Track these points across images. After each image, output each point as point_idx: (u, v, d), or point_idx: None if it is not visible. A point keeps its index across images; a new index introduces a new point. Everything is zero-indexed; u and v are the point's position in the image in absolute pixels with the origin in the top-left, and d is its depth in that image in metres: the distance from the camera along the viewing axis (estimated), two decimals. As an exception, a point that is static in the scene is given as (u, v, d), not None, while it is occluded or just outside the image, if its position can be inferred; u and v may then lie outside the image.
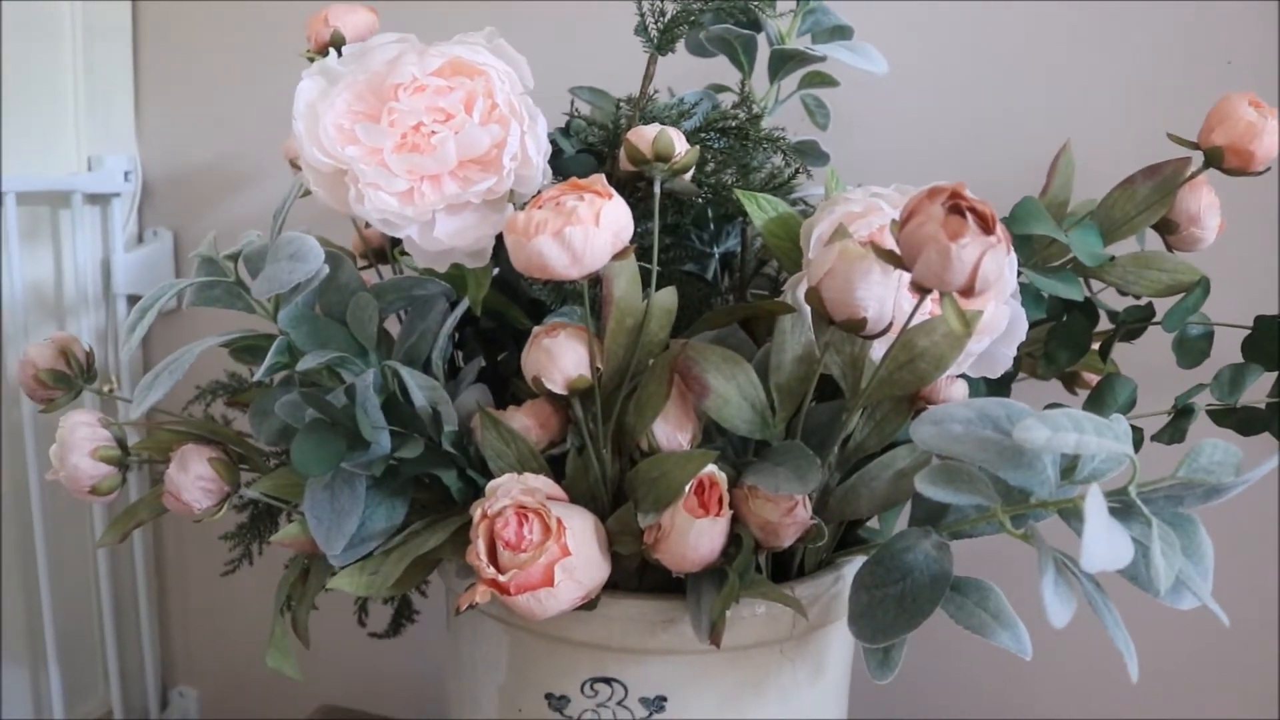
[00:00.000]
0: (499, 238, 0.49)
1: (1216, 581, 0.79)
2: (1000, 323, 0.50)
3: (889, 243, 0.44)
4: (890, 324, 0.46)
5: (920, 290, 0.42)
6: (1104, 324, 0.63)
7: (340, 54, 0.53)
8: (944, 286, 0.41)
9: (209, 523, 0.58)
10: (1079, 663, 0.82)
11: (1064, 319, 0.59)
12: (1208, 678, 0.79)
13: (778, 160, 0.63)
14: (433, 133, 0.49)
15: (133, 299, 0.96)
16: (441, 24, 0.82)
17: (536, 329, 0.52)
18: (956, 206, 0.40)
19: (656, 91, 0.62)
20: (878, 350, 0.49)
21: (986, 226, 0.40)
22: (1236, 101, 0.53)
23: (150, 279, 0.97)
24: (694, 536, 0.48)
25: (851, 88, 0.69)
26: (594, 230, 0.45)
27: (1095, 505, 0.39)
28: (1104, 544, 0.39)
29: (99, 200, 0.95)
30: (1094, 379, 0.63)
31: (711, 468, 0.49)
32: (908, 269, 0.42)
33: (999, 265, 0.40)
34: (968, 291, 0.40)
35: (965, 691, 0.85)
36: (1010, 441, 0.42)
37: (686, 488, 0.48)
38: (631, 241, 0.48)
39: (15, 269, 0.86)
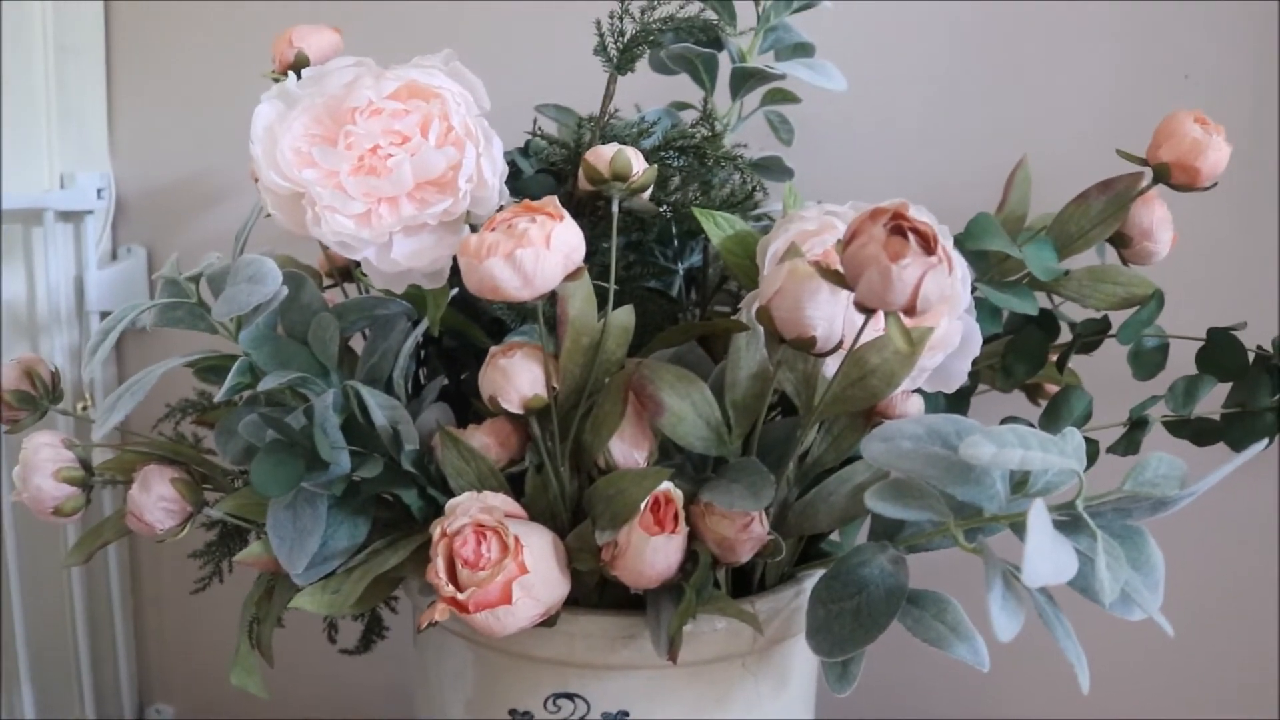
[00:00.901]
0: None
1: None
2: (953, 338, 0.51)
3: (838, 262, 0.45)
4: (841, 342, 0.47)
5: (865, 310, 0.43)
6: (1067, 336, 0.63)
7: (300, 76, 0.53)
8: (886, 306, 0.41)
9: (183, 541, 0.58)
10: (1050, 667, 0.82)
11: (1021, 332, 0.60)
12: (1209, 677, 0.80)
13: (738, 178, 0.64)
14: (389, 155, 0.50)
15: (107, 316, 0.96)
16: (411, 41, 0.83)
17: (493, 349, 0.53)
18: (898, 227, 0.41)
19: (617, 110, 0.63)
20: (831, 366, 0.50)
21: (928, 247, 0.40)
22: (1182, 118, 0.54)
23: (124, 296, 0.97)
24: (650, 553, 0.49)
25: (818, 103, 0.70)
26: (545, 252, 0.45)
27: (1038, 521, 0.40)
28: (1046, 559, 0.40)
29: (72, 218, 0.95)
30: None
31: (667, 485, 0.50)
32: (852, 289, 0.42)
33: (940, 286, 0.40)
34: (910, 311, 0.41)
35: (938, 696, 0.86)
36: (957, 458, 0.43)
37: (642, 505, 0.49)
38: (590, 259, 0.48)
39: (-12, 288, 0.86)
